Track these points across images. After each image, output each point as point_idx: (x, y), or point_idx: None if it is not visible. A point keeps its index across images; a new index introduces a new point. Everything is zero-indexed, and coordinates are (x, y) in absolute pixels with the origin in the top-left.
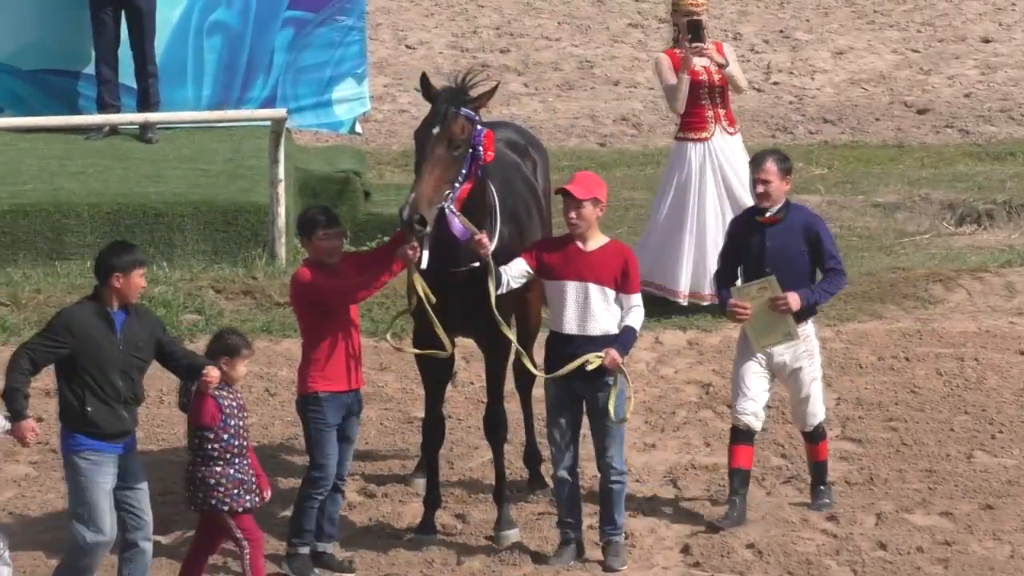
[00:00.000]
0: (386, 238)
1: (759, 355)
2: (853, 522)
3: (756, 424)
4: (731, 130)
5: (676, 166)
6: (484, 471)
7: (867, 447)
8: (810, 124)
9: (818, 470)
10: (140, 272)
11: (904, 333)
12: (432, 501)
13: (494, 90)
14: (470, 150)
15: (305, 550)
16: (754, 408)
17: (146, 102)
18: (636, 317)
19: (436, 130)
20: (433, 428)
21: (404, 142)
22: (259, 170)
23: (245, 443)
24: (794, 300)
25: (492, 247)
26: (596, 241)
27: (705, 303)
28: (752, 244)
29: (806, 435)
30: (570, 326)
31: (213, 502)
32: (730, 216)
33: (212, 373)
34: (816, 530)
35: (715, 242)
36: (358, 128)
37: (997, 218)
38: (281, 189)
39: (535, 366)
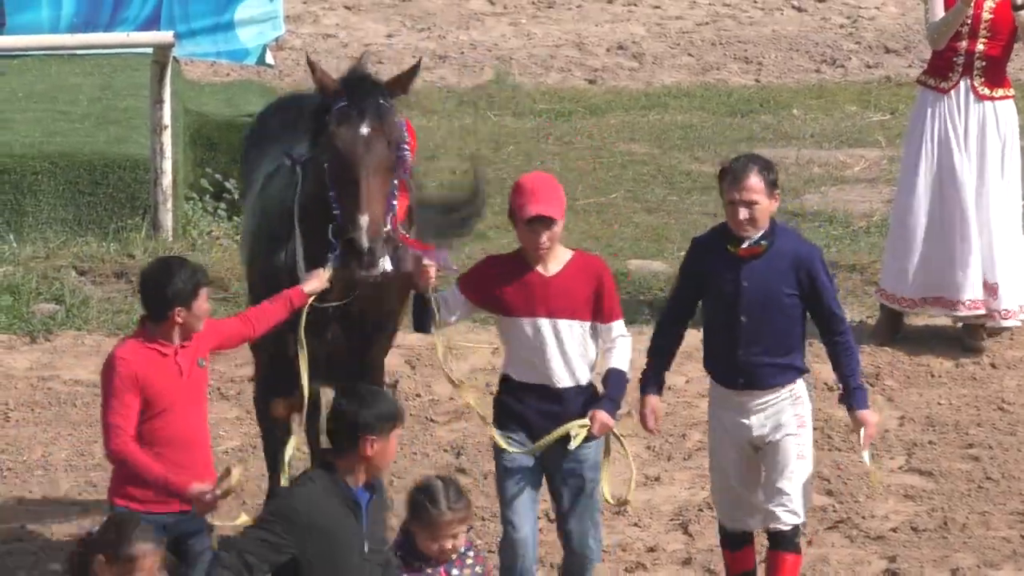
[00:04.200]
0: None
1: (733, 435)
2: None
3: (753, 524)
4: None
5: (916, 119)
6: None
7: (940, 482)
8: (867, 55)
9: None
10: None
11: (990, 330)
12: None
13: (416, 69)
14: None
15: None
16: (748, 505)
17: None
18: (623, 353)
19: (365, 130)
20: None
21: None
22: (137, 113)
23: None
24: (873, 425)
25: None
26: (558, 260)
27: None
28: (721, 285)
29: (773, 537)
30: (538, 375)
31: None
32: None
33: None
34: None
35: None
36: (269, 58)
37: None
38: (167, 138)
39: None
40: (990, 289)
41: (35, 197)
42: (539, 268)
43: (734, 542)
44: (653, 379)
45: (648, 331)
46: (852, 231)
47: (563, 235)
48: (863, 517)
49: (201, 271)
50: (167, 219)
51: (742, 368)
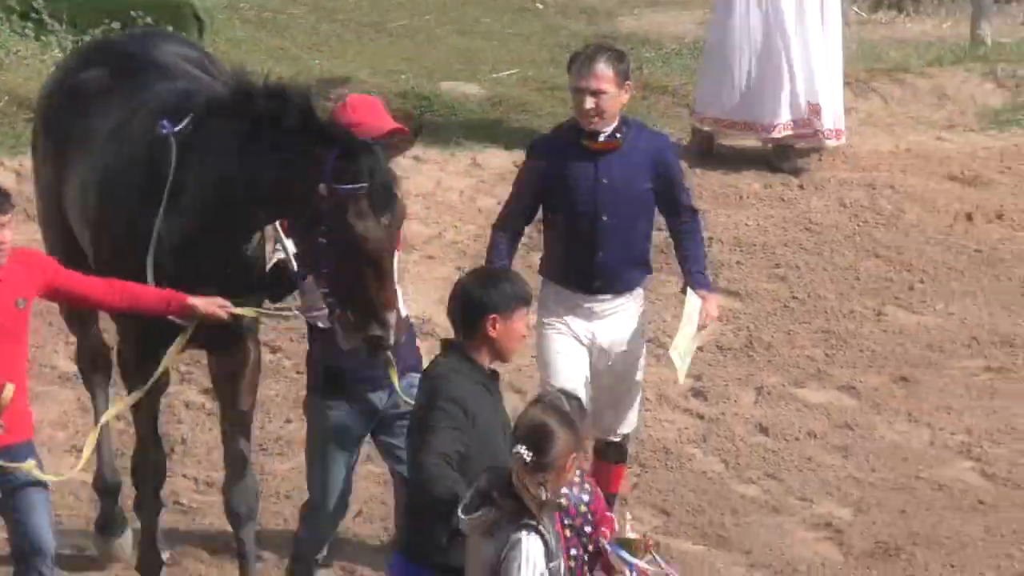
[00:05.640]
0: None
1: (576, 342)
2: (726, 399)
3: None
4: None
5: None
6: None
7: (747, 302)
8: None
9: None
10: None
11: (798, 152)
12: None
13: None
14: None
15: None
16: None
17: None
18: None
19: (386, 220)
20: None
21: None
22: None
23: None
24: (716, 304)
25: None
26: None
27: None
28: (576, 184)
29: (605, 449)
30: None
31: None
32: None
33: None
34: (678, 409)
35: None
36: None
37: (923, 1)
38: None
39: None
40: (813, 109)
41: None
42: None
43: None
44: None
45: (461, 155)
46: (665, 53)
47: (376, 56)
48: (668, 336)
49: (3, 196)
50: None
51: (600, 271)
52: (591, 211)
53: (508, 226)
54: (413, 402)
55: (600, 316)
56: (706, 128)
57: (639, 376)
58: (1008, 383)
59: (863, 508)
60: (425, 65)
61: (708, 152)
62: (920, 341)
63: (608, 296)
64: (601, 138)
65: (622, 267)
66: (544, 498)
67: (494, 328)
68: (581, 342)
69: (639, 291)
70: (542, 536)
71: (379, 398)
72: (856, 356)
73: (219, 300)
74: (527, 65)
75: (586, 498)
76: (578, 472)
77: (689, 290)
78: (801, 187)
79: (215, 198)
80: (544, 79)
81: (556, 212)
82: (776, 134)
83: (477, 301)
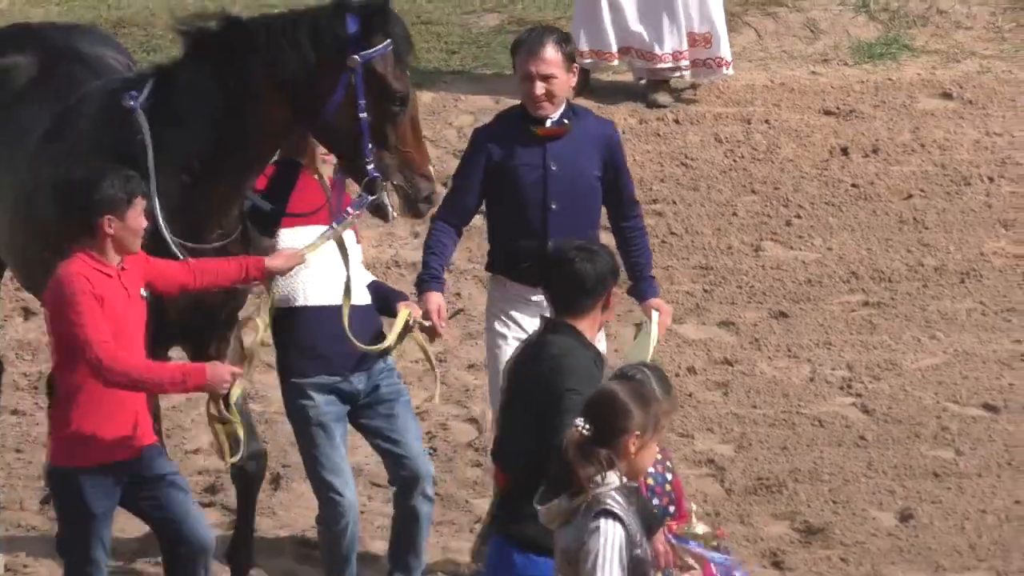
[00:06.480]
0: None
1: (525, 329)
2: (606, 335)
3: None
4: None
5: None
6: None
7: None
8: None
9: None
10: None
11: (672, 86)
12: None
13: None
14: None
15: None
16: None
17: None
18: None
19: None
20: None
21: None
22: None
23: None
24: (670, 313)
25: None
26: None
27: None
28: (524, 172)
29: None
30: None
31: None
32: None
33: None
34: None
35: None
36: None
37: None
38: None
39: None
40: (702, 39)
41: None
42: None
43: None
44: (434, 276)
45: None
46: None
47: None
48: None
49: (135, 179)
50: None
51: None
52: (540, 199)
53: (451, 219)
54: (390, 390)
55: (548, 311)
56: (585, 62)
57: None
58: (887, 318)
59: (744, 444)
60: None
61: (584, 87)
62: (798, 277)
63: None
64: (549, 124)
65: None
66: (597, 478)
67: (607, 304)
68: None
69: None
70: (622, 522)
71: (359, 380)
72: (735, 292)
73: (288, 251)
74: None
75: (670, 477)
76: (658, 451)
77: (647, 317)
78: (677, 122)
79: (219, 140)
80: (419, 13)
81: (503, 202)
82: (663, 64)
83: (600, 274)
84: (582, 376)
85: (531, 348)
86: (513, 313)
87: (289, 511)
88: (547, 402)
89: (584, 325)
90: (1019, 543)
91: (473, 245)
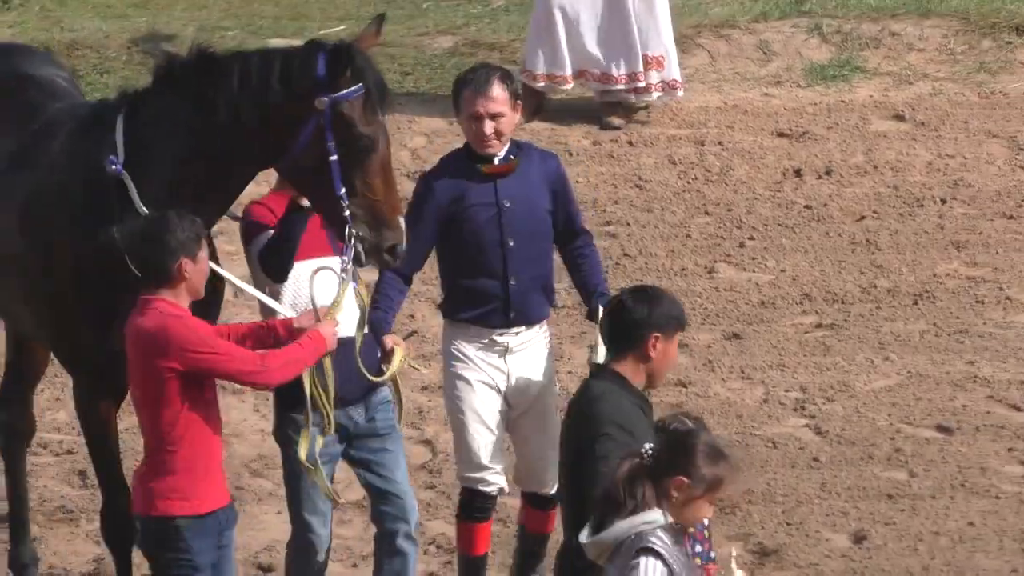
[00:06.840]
0: None
1: (489, 382)
2: (559, 356)
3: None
4: None
5: None
6: None
7: None
8: None
9: (541, 546)
10: None
11: (626, 108)
12: None
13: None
14: None
15: None
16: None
17: None
18: None
19: (382, 117)
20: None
21: None
22: None
23: None
24: None
25: None
26: None
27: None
28: (478, 211)
29: (538, 500)
30: None
31: None
32: None
33: None
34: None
35: None
36: None
37: None
38: None
39: None
40: (655, 61)
41: None
42: None
43: (482, 509)
44: (386, 324)
45: None
46: (492, 10)
47: (202, 12)
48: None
49: (198, 220)
50: None
51: (512, 301)
52: (497, 238)
53: (404, 267)
54: (384, 424)
55: (512, 352)
56: (539, 84)
57: (556, 419)
58: (840, 340)
59: None
60: (251, 21)
61: (538, 111)
62: (752, 298)
63: (522, 328)
64: (496, 161)
65: (533, 293)
66: (645, 504)
67: (655, 348)
68: (496, 389)
69: (545, 325)
70: (664, 560)
71: (357, 413)
72: (688, 314)
73: (308, 318)
74: (354, 22)
75: (707, 522)
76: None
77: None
78: (631, 143)
79: (189, 175)
80: None
81: (458, 244)
82: (619, 86)
83: (641, 318)
84: (620, 420)
85: (575, 395)
86: (476, 357)
87: (242, 534)
88: (580, 449)
89: (629, 368)
90: (972, 564)
91: (426, 266)
